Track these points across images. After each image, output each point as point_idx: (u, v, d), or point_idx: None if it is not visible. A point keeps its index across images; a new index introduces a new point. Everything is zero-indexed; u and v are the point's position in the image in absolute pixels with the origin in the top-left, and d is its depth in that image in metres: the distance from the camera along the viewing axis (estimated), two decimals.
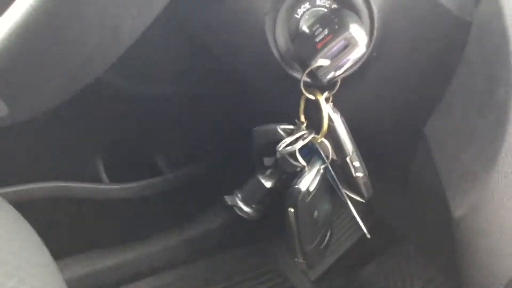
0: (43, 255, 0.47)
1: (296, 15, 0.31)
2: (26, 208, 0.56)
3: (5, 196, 0.57)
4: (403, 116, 0.36)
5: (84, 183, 0.81)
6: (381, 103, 0.35)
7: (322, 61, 0.26)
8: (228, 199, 0.29)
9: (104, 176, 0.86)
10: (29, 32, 0.22)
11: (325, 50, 0.27)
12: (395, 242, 0.76)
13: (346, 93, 0.32)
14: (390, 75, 0.34)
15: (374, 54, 0.32)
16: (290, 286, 0.85)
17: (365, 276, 0.80)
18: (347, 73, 0.30)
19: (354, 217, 0.29)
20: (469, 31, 0.35)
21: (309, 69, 0.26)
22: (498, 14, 0.33)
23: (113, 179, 0.85)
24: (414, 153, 0.36)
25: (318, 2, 0.31)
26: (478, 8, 0.35)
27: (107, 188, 0.85)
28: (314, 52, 0.27)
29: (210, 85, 0.56)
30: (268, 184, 0.28)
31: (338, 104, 0.32)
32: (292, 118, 0.32)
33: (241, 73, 0.35)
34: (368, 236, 0.30)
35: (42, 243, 0.49)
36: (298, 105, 0.30)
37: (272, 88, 0.34)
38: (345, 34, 0.27)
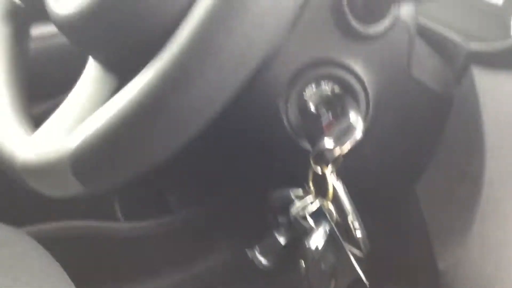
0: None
1: (304, 97, 0.38)
2: (46, 245, 0.60)
3: (31, 234, 0.62)
4: (395, 178, 0.42)
5: (98, 222, 0.86)
6: (376, 167, 0.42)
7: (328, 143, 0.33)
8: (248, 252, 0.34)
9: (119, 214, 0.91)
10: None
11: (330, 133, 0.33)
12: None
13: (346, 160, 0.38)
14: (383, 144, 0.40)
15: (368, 127, 0.38)
16: None
17: None
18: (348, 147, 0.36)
19: (356, 273, 0.35)
20: (451, 106, 0.41)
21: (317, 151, 0.33)
22: (474, 92, 0.39)
23: (127, 217, 0.90)
24: (405, 206, 0.42)
25: (323, 87, 0.38)
26: (459, 86, 0.42)
27: (119, 226, 0.89)
28: (321, 134, 0.33)
29: (222, 141, 0.62)
30: (282, 241, 0.34)
31: (339, 169, 0.39)
32: (298, 178, 0.38)
33: (255, 143, 0.42)
34: (367, 285, 0.36)
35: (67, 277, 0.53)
36: (304, 167, 0.36)
37: (283, 156, 0.40)
38: (346, 122, 0.33)
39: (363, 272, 0.35)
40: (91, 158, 0.28)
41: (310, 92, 0.38)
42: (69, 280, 0.53)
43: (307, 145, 0.37)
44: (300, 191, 0.35)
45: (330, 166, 0.34)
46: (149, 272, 0.90)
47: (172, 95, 0.26)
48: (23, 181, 0.33)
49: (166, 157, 0.28)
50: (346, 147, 0.33)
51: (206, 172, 0.84)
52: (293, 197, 0.34)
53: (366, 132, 0.39)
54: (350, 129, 0.33)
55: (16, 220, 0.60)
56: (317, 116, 0.37)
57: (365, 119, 0.38)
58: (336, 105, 0.37)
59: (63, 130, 0.33)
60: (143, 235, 0.91)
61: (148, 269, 0.89)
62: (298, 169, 0.37)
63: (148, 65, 0.28)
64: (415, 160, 0.41)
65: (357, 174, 0.40)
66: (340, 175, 0.37)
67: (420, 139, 0.42)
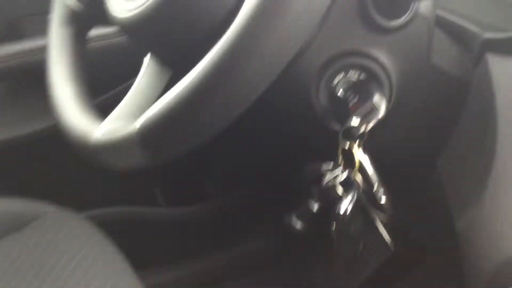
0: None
1: (333, 84, 0.43)
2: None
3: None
4: (417, 155, 0.46)
5: (143, 208, 0.93)
6: (399, 146, 0.46)
7: (354, 121, 0.38)
8: (286, 218, 0.40)
9: (161, 200, 0.97)
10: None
11: (357, 113, 0.38)
12: (422, 261, 0.81)
13: (372, 138, 0.43)
14: (405, 125, 0.45)
15: (392, 110, 0.43)
16: None
17: None
18: (373, 125, 0.41)
19: (382, 236, 0.40)
20: (468, 89, 0.45)
21: (345, 127, 0.38)
22: (488, 77, 0.43)
23: (168, 203, 0.96)
24: (428, 181, 0.47)
25: (350, 74, 0.43)
26: (476, 71, 0.46)
27: (162, 211, 0.96)
28: (348, 114, 0.39)
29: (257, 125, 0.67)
30: (315, 207, 0.39)
31: (366, 146, 0.43)
32: (328, 155, 0.43)
33: (289, 126, 0.47)
34: (392, 249, 0.40)
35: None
36: (333, 146, 0.41)
37: (314, 137, 0.46)
38: (371, 103, 0.38)
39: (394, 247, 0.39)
40: (156, 132, 0.34)
41: (339, 79, 0.43)
42: (125, 261, 0.58)
43: (336, 126, 0.42)
44: (330, 165, 0.40)
45: (357, 142, 0.39)
46: (188, 255, 0.96)
47: (223, 81, 0.31)
48: (95, 158, 0.39)
49: (217, 133, 0.33)
50: (371, 124, 0.38)
51: (242, 160, 0.89)
52: (324, 170, 0.40)
53: (390, 114, 0.43)
54: (374, 108, 0.38)
55: (71, 205, 0.67)
56: (344, 100, 0.42)
57: (389, 102, 0.42)
58: (362, 90, 0.42)
59: (130, 114, 0.39)
60: (183, 220, 0.97)
61: (187, 252, 0.95)
62: (328, 148, 0.42)
63: (204, 58, 0.33)
64: (437, 137, 0.46)
65: (384, 152, 0.45)
66: (368, 152, 0.42)
67: (440, 119, 0.46)
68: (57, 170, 0.79)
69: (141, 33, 0.40)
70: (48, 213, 0.63)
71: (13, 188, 0.69)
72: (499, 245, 0.34)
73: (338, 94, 0.42)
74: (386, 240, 0.40)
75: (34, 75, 0.65)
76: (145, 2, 0.38)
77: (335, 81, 0.43)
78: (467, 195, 0.39)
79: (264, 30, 0.30)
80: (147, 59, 0.45)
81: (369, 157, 0.40)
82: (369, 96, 0.39)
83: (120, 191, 0.88)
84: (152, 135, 0.34)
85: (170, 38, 0.38)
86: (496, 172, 0.37)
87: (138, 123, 0.35)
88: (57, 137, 0.75)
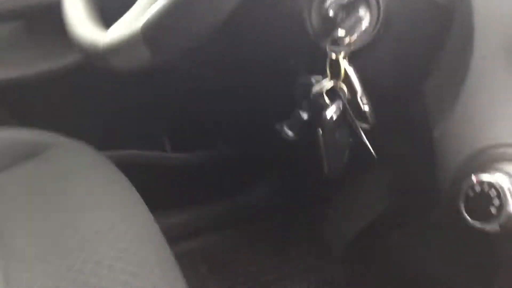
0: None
1: (325, 6, 0.46)
2: None
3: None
4: (403, 77, 0.49)
5: (151, 152, 0.96)
6: (386, 69, 0.49)
7: (340, 33, 0.41)
8: (277, 126, 0.44)
9: (168, 148, 1.01)
10: None
11: (343, 25, 0.42)
12: (421, 211, 0.82)
13: (359, 61, 0.46)
14: (393, 48, 0.48)
15: (380, 32, 0.46)
16: (326, 248, 0.96)
17: (394, 241, 0.88)
18: (360, 44, 0.44)
19: (365, 143, 0.43)
20: (452, 14, 0.48)
21: (331, 39, 0.41)
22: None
23: (175, 149, 1.00)
24: (412, 104, 0.50)
25: None
26: None
27: (169, 156, 0.99)
28: (336, 26, 0.42)
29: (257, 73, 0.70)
30: (304, 116, 0.43)
31: (354, 66, 0.47)
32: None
33: (282, 49, 0.50)
34: (375, 156, 0.44)
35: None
36: (323, 67, 0.45)
37: (306, 57, 0.49)
38: (356, 15, 0.41)
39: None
40: (158, 27, 0.38)
41: (330, 2, 0.46)
42: (140, 199, 0.61)
43: (327, 43, 0.46)
44: (319, 77, 0.44)
45: (342, 53, 0.42)
46: (192, 201, 1.00)
47: None
48: (106, 62, 0.43)
49: (211, 30, 0.37)
50: (355, 36, 0.41)
51: (246, 111, 0.92)
52: (313, 81, 0.43)
53: (378, 37, 0.47)
54: (358, 20, 0.41)
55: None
56: (335, 20, 0.45)
57: (376, 24, 0.46)
58: (351, 11, 0.45)
59: (135, 18, 0.43)
60: (188, 166, 1.01)
61: (191, 198, 0.99)
62: (318, 65, 0.45)
63: None
64: (422, 62, 0.49)
65: (372, 74, 0.48)
66: (357, 74, 0.45)
67: (425, 46, 0.49)
68: (72, 108, 0.83)
69: None
70: (62, 143, 0.67)
71: (27, 124, 0.73)
72: (468, 141, 0.37)
73: (329, 15, 0.46)
74: (369, 147, 0.43)
75: (52, 12, 0.68)
76: None
77: (327, 4, 0.46)
78: (444, 107, 0.43)
79: None
80: None
81: (353, 69, 0.43)
82: (355, 10, 0.42)
83: (130, 138, 0.92)
84: (154, 31, 0.38)
85: None
86: (471, 76, 0.41)
87: (140, 22, 0.39)
88: (74, 75, 0.79)
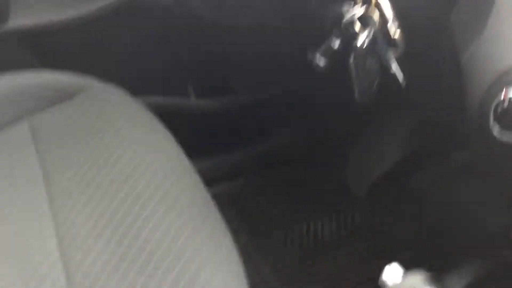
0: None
1: None
2: None
3: None
4: (431, 11, 0.50)
5: (177, 98, 0.98)
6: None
7: None
8: (309, 55, 0.45)
9: (193, 96, 1.03)
10: None
11: None
12: (445, 154, 0.83)
13: None
14: None
15: None
16: (348, 190, 0.98)
17: (416, 184, 0.89)
18: None
19: (394, 72, 0.45)
20: None
21: None
22: None
23: (199, 96, 1.01)
24: (440, 33, 0.50)
25: None
26: None
27: (193, 103, 1.01)
28: None
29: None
30: (336, 43, 0.44)
31: None
32: None
33: None
34: (403, 85, 0.45)
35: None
36: None
37: None
38: None
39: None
40: None
41: None
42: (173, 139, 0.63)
43: None
44: (351, 4, 0.45)
45: None
46: (217, 148, 1.02)
47: None
48: None
49: None
50: None
51: (268, 58, 0.92)
52: (345, 9, 0.44)
53: None
54: None
55: None
56: None
57: None
58: None
59: None
60: (213, 112, 1.02)
61: (216, 144, 1.01)
62: None
63: None
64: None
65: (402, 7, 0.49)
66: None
67: None
68: (100, 53, 0.85)
69: None
70: (97, 86, 0.69)
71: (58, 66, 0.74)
72: (496, 60, 0.38)
73: None
74: (398, 76, 0.45)
75: None
76: None
77: None
78: (472, 33, 0.43)
79: None
80: None
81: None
82: None
83: (156, 84, 0.94)
84: None
85: None
86: (496, 10, 0.41)
87: None
88: (101, 21, 0.81)
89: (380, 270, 0.54)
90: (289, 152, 1.05)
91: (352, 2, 0.44)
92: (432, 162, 0.87)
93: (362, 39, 0.43)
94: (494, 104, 0.36)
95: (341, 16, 0.44)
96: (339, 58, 0.45)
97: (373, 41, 0.43)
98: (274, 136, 1.06)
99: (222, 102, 1.02)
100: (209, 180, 1.04)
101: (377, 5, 0.44)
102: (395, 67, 0.44)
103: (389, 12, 0.44)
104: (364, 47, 0.43)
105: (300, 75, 0.90)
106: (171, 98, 0.97)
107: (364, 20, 0.44)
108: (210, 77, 1.00)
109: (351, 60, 0.43)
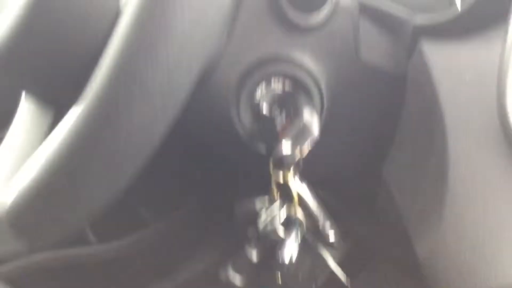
0: None
1: (256, 99, 0.36)
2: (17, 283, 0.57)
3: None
4: (360, 165, 0.40)
5: (70, 249, 0.82)
6: (340, 158, 0.40)
7: (285, 147, 0.31)
8: (221, 273, 0.33)
9: (91, 236, 0.87)
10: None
11: (286, 136, 0.31)
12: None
13: (309, 156, 0.36)
14: (343, 134, 0.39)
15: (326, 120, 0.37)
16: None
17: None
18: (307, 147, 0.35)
19: (335, 274, 0.34)
20: (405, 84, 0.40)
21: (276, 156, 0.31)
22: (426, 67, 0.38)
23: (100, 238, 0.86)
24: (376, 193, 0.41)
25: (273, 85, 0.36)
26: (411, 62, 0.40)
27: (93, 250, 0.85)
28: (277, 137, 0.32)
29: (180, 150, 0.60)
30: (254, 255, 0.32)
31: (303, 166, 0.37)
32: (261, 183, 0.36)
33: (212, 151, 0.40)
34: (348, 285, 0.34)
35: None
36: (265, 172, 0.35)
37: (241, 162, 0.39)
38: (301, 122, 0.31)
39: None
40: (29, 213, 0.25)
41: (261, 93, 0.36)
42: None
43: (263, 149, 0.35)
44: (265, 200, 0.34)
45: (291, 171, 0.32)
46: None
47: (105, 132, 0.23)
48: None
49: (110, 200, 0.25)
50: (306, 148, 0.31)
51: (173, 183, 0.82)
52: (258, 209, 0.33)
53: (324, 125, 0.37)
54: (306, 128, 0.31)
55: None
56: (271, 119, 0.35)
57: (321, 114, 0.36)
58: (289, 104, 0.35)
59: (1, 180, 0.30)
60: (120, 255, 0.88)
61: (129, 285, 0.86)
62: (259, 174, 0.35)
63: (78, 100, 0.25)
64: (378, 144, 0.40)
65: (322, 167, 0.39)
66: (305, 172, 0.35)
67: (379, 122, 0.40)
68: None
69: (5, 62, 0.31)
70: None
71: None
72: (468, 278, 0.28)
73: (263, 111, 0.35)
74: (341, 277, 0.33)
75: None
76: None
77: (258, 96, 0.36)
78: (424, 215, 0.34)
79: (146, 58, 0.23)
80: (23, 99, 0.36)
81: (306, 185, 0.33)
82: (298, 112, 0.32)
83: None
84: (26, 216, 0.25)
85: (39, 65, 0.29)
86: (453, 183, 0.32)
87: (8, 199, 0.26)
88: None
89: None
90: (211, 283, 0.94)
91: (266, 196, 0.33)
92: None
93: (289, 250, 0.31)
94: None
95: (254, 215, 0.33)
96: (260, 270, 0.33)
97: (303, 248, 0.32)
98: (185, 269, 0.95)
99: (129, 241, 0.88)
100: None
101: (300, 200, 0.33)
102: (337, 270, 0.33)
103: (316, 208, 0.33)
104: (293, 262, 0.31)
105: None
106: (64, 250, 0.81)
107: (287, 220, 0.32)
108: (111, 212, 0.86)
109: (279, 279, 0.31)
